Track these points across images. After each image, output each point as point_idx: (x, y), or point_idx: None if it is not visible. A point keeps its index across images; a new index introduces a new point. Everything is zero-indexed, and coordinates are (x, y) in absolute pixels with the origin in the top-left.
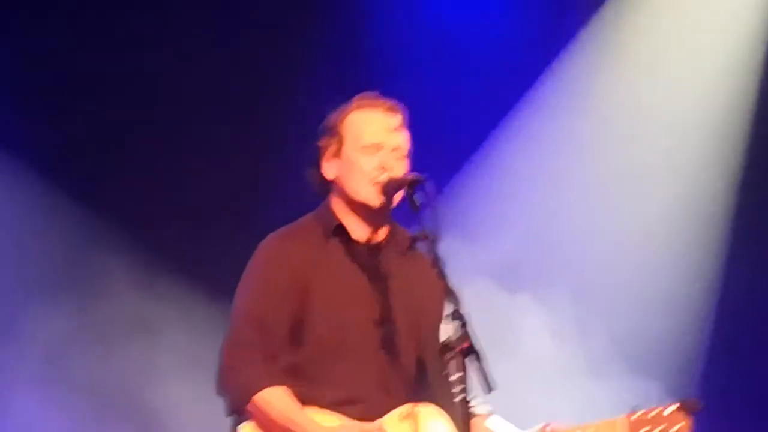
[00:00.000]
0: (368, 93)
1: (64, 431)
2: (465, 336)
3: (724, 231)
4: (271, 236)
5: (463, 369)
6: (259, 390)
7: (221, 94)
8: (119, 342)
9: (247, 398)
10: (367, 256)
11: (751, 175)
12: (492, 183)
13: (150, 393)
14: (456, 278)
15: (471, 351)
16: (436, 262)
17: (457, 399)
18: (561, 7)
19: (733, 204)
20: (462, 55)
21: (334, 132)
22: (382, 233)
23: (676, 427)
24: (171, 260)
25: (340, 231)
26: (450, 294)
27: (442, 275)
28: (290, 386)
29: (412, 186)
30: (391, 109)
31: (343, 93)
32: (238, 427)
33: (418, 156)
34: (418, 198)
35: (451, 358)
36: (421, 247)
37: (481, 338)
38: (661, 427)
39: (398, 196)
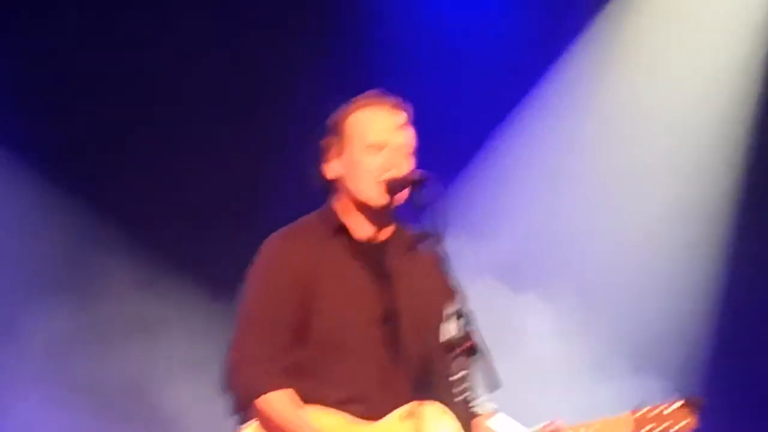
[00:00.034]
0: (372, 91)
1: (65, 431)
2: (468, 334)
3: (726, 230)
4: (274, 236)
5: (467, 367)
6: (264, 392)
7: (221, 94)
8: (119, 342)
9: (252, 399)
10: (370, 255)
11: (751, 174)
12: (494, 183)
13: (150, 392)
14: (459, 277)
15: (474, 349)
16: (440, 261)
17: (460, 398)
18: (561, 7)
19: (733, 203)
20: (462, 55)
21: (337, 131)
22: (386, 232)
23: (680, 425)
24: (171, 260)
25: (343, 230)
26: (453, 292)
27: (445, 274)
28: (294, 385)
29: (415, 184)
30: (395, 107)
31: (343, 93)
32: (242, 426)
33: (419, 155)
34: (421, 197)
35: (455, 356)
36: (425, 245)
37: (484, 337)
38: (665, 424)
39: (402, 195)
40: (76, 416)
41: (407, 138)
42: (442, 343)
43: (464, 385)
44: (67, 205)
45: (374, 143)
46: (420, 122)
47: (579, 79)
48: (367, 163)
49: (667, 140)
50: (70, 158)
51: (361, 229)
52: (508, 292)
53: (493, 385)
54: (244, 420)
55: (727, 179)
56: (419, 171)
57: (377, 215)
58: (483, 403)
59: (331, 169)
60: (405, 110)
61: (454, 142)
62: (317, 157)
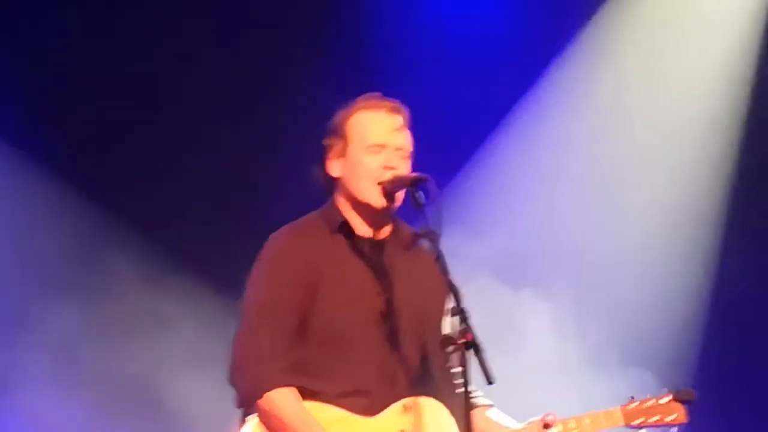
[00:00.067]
0: (372, 94)
1: (75, 424)
2: (466, 330)
3: (721, 228)
4: (279, 231)
5: (464, 362)
6: (269, 389)
7: (221, 94)
8: (127, 337)
9: (257, 396)
10: (371, 252)
11: (748, 173)
12: (492, 181)
13: (157, 386)
14: (458, 274)
15: (472, 345)
16: (439, 259)
17: (458, 391)
18: (561, 7)
19: (730, 201)
20: (462, 55)
21: (339, 131)
22: (386, 230)
23: (669, 418)
24: (177, 257)
25: (345, 227)
26: (451, 289)
27: (444, 271)
28: (296, 379)
29: (414, 184)
30: (394, 110)
31: (343, 93)
32: (245, 418)
33: (420, 155)
34: (420, 196)
35: (453, 351)
36: (424, 243)
37: (482, 333)
38: (655, 417)
39: (401, 195)
40: (86, 409)
41: (405, 140)
42: (440, 338)
43: (462, 379)
44: (76, 205)
45: (374, 144)
46: (419, 121)
47: (577, 78)
48: (367, 163)
49: (663, 140)
50: (77, 158)
51: (362, 226)
52: (505, 290)
53: (488, 379)
54: (249, 412)
55: (724, 178)
56: (417, 172)
57: (377, 214)
58: (478, 397)
59: (334, 168)
60: (403, 113)
61: (454, 140)
62: (318, 156)
